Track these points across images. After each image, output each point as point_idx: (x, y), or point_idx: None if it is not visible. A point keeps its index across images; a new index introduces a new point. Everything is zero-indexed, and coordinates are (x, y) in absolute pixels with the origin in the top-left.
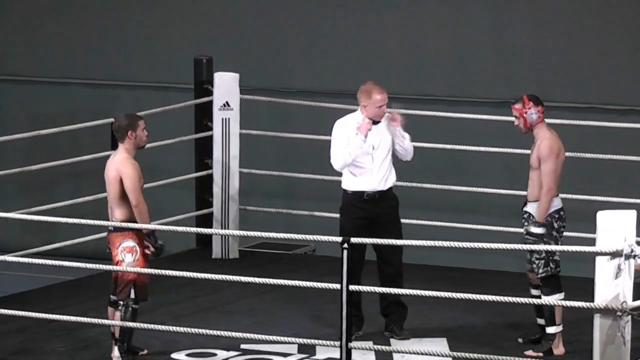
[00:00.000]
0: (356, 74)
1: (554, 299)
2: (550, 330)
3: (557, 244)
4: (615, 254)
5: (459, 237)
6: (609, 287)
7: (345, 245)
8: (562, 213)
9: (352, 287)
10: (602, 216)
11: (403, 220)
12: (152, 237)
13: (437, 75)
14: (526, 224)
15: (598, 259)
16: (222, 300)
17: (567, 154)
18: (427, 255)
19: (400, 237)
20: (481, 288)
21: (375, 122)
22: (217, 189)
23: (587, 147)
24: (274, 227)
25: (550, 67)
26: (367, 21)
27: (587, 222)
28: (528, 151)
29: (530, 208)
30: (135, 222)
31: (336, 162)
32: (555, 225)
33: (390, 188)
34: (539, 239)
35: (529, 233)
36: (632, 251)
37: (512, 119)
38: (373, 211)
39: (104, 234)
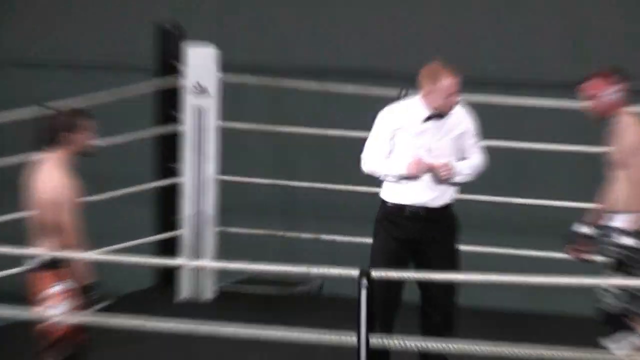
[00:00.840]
0: (378, 47)
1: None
2: None
3: None
4: None
5: (520, 267)
6: None
7: (364, 280)
8: None
9: (374, 341)
10: None
11: None
12: (92, 291)
13: (488, 51)
14: (606, 245)
15: None
16: (195, 356)
17: None
18: (478, 295)
19: (453, 269)
20: (555, 339)
21: (439, 116)
22: (186, 204)
23: None
24: (267, 256)
25: (631, 41)
26: None
27: None
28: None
29: (618, 221)
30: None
31: (366, 165)
32: None
33: (448, 206)
34: (630, 253)
35: (617, 245)
36: None
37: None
38: (417, 232)
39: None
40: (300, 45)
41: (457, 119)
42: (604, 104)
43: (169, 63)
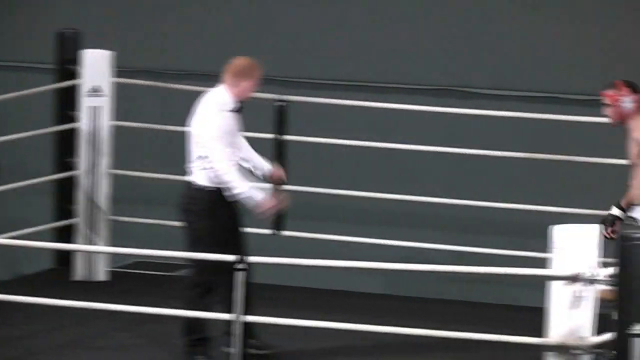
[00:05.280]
0: (258, 53)
1: None
2: None
3: None
4: (573, 279)
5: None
6: (565, 319)
7: (240, 264)
8: None
9: (249, 318)
10: (558, 232)
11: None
12: None
13: (363, 58)
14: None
15: (552, 284)
16: (89, 333)
17: None
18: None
19: None
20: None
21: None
22: (81, 195)
23: None
24: (155, 243)
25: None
26: None
27: None
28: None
29: (638, 213)
30: None
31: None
32: None
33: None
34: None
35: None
36: (593, 275)
37: (455, 110)
38: (237, 213)
39: None
40: (190, 53)
41: None
42: (619, 112)
43: (68, 66)
